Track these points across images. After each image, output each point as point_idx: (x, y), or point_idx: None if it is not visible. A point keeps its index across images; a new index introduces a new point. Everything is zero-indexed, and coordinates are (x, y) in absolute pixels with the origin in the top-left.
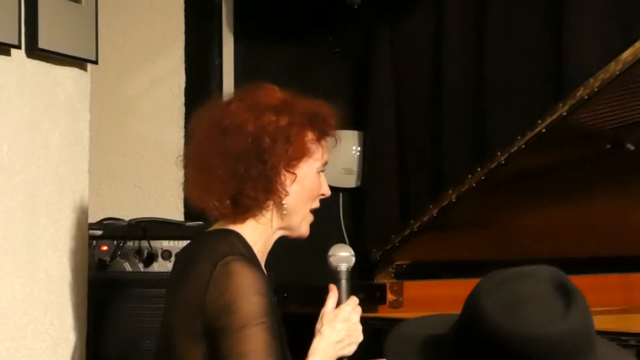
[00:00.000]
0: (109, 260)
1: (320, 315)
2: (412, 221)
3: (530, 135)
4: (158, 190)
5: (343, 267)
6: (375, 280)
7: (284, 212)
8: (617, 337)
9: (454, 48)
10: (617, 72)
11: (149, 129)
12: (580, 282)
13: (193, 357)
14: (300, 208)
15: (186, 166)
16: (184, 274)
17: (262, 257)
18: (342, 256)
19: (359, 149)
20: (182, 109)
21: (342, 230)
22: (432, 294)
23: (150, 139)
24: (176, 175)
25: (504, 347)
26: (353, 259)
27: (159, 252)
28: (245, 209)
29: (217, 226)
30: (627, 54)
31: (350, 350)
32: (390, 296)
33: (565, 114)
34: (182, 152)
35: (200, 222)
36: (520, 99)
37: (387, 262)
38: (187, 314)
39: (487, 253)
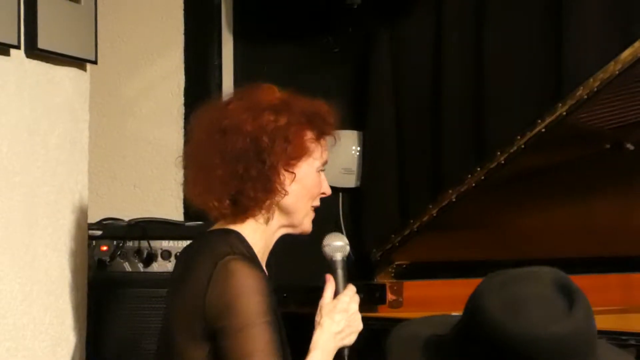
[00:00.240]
0: (108, 260)
1: (319, 307)
2: (411, 221)
3: (529, 135)
4: (157, 191)
5: (338, 256)
6: (375, 280)
7: (284, 211)
8: (617, 337)
9: (453, 48)
10: (617, 72)
11: (148, 129)
12: (580, 281)
13: (195, 357)
14: (300, 207)
15: (186, 166)
16: (185, 274)
17: (262, 257)
18: (337, 245)
19: (358, 148)
20: (182, 109)
21: (341, 230)
22: (431, 294)
23: (150, 139)
24: (176, 175)
25: (506, 347)
26: (348, 248)
27: (159, 252)
28: (245, 209)
29: (217, 226)
30: (626, 54)
31: (350, 339)
32: (389, 296)
33: (564, 114)
34: (181, 153)
35: (200, 222)
36: (519, 99)
37: (386, 262)
38: (188, 314)
39: (486, 253)
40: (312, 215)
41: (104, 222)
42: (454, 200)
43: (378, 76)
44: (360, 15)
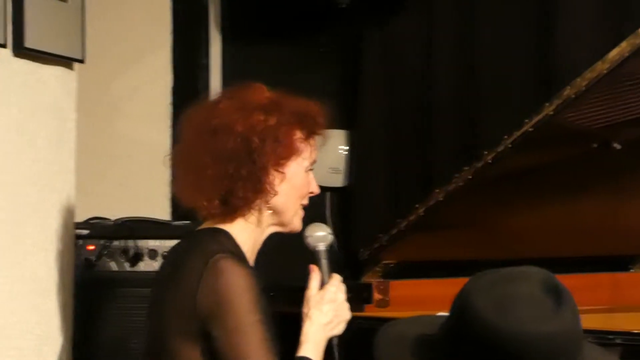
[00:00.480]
0: (95, 259)
1: (306, 298)
2: (399, 220)
3: (517, 134)
4: (145, 190)
5: (321, 246)
6: (362, 280)
7: (274, 210)
8: (603, 336)
9: (443, 48)
10: (604, 72)
11: (135, 129)
12: (567, 280)
13: (189, 357)
14: (289, 206)
15: (175, 166)
16: (174, 273)
17: (251, 256)
18: (319, 235)
19: (345, 148)
20: (169, 109)
21: None
22: (419, 293)
23: (137, 139)
24: (163, 174)
25: (497, 346)
26: (330, 237)
27: (146, 251)
28: (234, 209)
29: (206, 225)
30: (613, 53)
31: (339, 329)
32: (376, 295)
33: (552, 113)
34: (169, 152)
35: (187, 222)
36: (510, 99)
37: (374, 261)
38: (179, 313)
39: (474, 253)
40: (301, 213)
41: (91, 222)
42: (441, 199)
43: (367, 75)
44: (350, 14)
